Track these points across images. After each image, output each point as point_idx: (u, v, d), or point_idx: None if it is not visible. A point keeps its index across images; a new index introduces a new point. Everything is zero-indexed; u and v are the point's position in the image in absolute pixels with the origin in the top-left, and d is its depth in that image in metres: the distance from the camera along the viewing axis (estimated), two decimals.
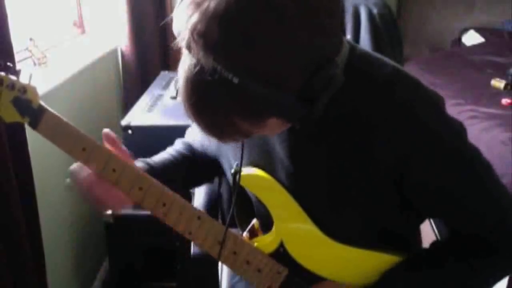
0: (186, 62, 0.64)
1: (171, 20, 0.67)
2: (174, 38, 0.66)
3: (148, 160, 0.98)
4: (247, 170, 0.87)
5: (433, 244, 0.91)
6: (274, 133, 0.77)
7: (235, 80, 0.60)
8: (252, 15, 0.59)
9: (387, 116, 0.75)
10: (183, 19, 0.63)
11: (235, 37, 0.59)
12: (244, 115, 0.65)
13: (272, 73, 0.61)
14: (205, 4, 0.60)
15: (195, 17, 0.61)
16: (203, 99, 0.65)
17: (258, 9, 0.59)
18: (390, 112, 0.75)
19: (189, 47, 0.62)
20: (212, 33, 0.60)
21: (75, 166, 0.86)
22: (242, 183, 0.87)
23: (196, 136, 1.06)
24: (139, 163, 0.94)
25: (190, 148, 1.05)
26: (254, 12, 0.59)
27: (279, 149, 0.85)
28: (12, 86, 0.79)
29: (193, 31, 0.61)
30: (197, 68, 0.62)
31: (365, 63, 0.78)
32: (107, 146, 0.85)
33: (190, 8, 0.62)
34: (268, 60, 0.60)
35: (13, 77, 0.80)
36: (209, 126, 0.69)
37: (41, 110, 0.81)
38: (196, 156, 1.04)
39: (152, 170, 0.93)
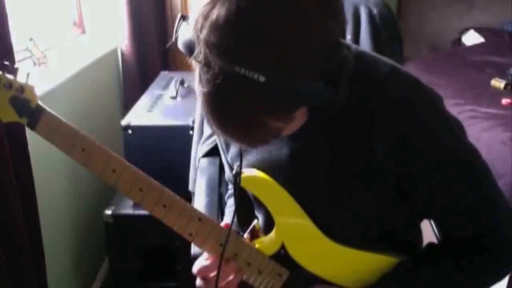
0: (202, 78, 0.63)
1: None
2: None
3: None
4: (247, 172, 0.87)
5: (428, 247, 0.91)
6: (297, 126, 0.77)
7: (262, 79, 0.59)
8: (262, 11, 0.59)
9: (385, 113, 0.75)
10: (194, 35, 0.62)
11: (251, 37, 0.59)
12: (274, 112, 0.64)
13: (294, 61, 0.60)
14: (214, 14, 0.60)
15: (206, 30, 0.60)
16: (230, 108, 0.63)
17: (266, 2, 0.59)
18: (388, 110, 0.75)
19: (207, 61, 0.61)
20: (228, 40, 0.59)
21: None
22: (242, 184, 0.87)
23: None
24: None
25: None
26: (263, 6, 0.59)
27: (279, 151, 0.85)
28: (10, 85, 0.77)
29: (207, 43, 0.60)
30: (219, 79, 0.60)
31: (361, 63, 0.78)
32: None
33: (199, 22, 0.61)
34: (287, 50, 0.60)
35: (10, 76, 0.78)
36: (241, 133, 0.67)
37: (40, 110, 0.79)
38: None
39: None
